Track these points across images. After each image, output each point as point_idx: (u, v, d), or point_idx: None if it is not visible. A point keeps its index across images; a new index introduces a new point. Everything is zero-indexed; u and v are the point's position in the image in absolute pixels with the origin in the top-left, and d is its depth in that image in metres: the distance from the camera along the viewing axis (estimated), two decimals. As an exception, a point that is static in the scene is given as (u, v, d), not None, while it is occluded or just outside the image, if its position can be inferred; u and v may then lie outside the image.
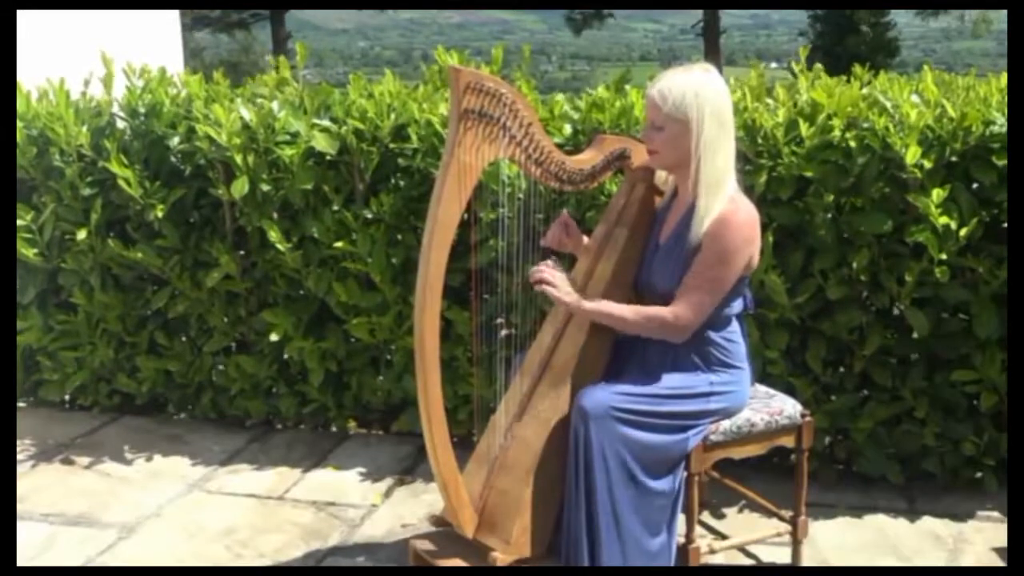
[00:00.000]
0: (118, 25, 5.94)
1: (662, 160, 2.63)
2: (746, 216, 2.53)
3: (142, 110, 3.74)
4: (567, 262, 2.90)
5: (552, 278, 2.61)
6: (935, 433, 3.23)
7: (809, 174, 3.09)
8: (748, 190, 2.71)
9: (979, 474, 3.29)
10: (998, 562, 2.89)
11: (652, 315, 2.56)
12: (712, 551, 2.79)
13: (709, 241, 2.50)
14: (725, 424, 2.64)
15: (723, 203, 2.50)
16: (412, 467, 3.59)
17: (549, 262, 2.66)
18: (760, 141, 3.14)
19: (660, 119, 2.54)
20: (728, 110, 2.55)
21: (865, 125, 3.09)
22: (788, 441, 2.76)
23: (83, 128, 3.73)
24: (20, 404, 4.25)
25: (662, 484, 2.57)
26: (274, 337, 3.68)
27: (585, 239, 2.87)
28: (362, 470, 3.58)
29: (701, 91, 2.50)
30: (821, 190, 3.09)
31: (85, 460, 3.71)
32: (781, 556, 2.88)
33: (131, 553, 3.06)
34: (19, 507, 3.31)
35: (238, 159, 3.49)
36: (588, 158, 2.73)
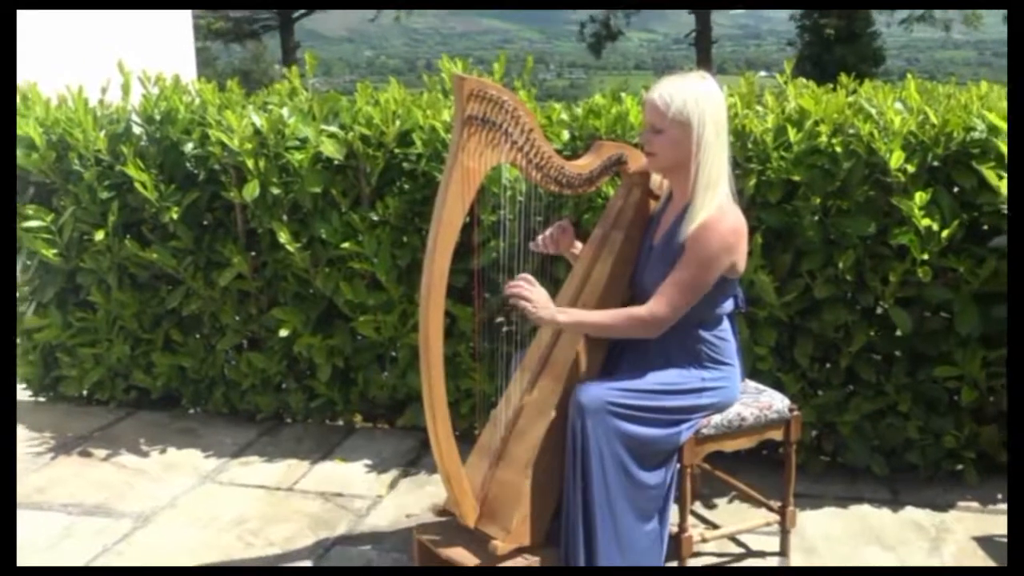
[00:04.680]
0: (133, 34, 6.00)
1: (659, 162, 2.66)
2: (730, 226, 2.56)
3: (158, 117, 3.77)
4: (562, 267, 2.91)
5: (529, 294, 2.58)
6: (918, 427, 3.28)
7: (797, 178, 3.14)
8: (738, 193, 2.72)
9: (959, 466, 3.34)
10: (978, 551, 2.94)
11: (630, 315, 2.59)
12: (704, 540, 2.84)
13: (690, 244, 2.55)
14: (716, 418, 2.69)
15: (711, 208, 2.54)
16: (416, 460, 3.63)
17: (528, 276, 2.62)
18: (750, 146, 3.18)
19: (662, 122, 2.58)
20: (724, 117, 2.60)
21: (851, 131, 3.13)
22: (777, 434, 2.81)
23: (101, 134, 3.77)
24: (40, 399, 4.30)
25: (655, 476, 2.62)
26: (284, 334, 3.73)
27: (579, 245, 2.90)
28: (368, 462, 3.63)
29: (702, 96, 2.55)
30: (808, 193, 3.13)
31: (102, 453, 3.76)
32: (770, 545, 2.94)
33: (146, 542, 3.10)
34: (39, 498, 3.37)
35: (249, 164, 3.55)
36: (586, 163, 2.76)
